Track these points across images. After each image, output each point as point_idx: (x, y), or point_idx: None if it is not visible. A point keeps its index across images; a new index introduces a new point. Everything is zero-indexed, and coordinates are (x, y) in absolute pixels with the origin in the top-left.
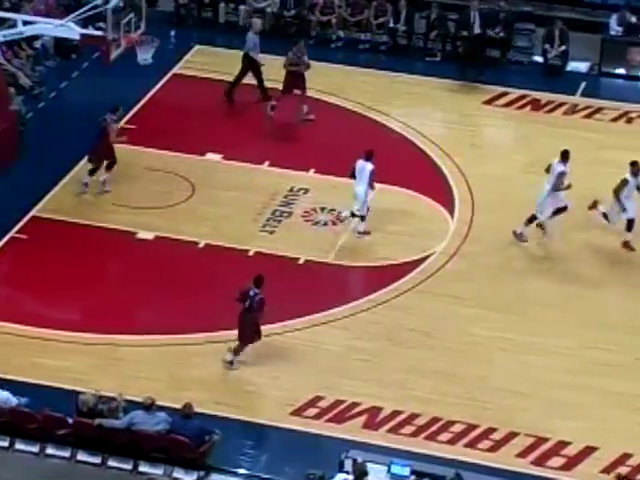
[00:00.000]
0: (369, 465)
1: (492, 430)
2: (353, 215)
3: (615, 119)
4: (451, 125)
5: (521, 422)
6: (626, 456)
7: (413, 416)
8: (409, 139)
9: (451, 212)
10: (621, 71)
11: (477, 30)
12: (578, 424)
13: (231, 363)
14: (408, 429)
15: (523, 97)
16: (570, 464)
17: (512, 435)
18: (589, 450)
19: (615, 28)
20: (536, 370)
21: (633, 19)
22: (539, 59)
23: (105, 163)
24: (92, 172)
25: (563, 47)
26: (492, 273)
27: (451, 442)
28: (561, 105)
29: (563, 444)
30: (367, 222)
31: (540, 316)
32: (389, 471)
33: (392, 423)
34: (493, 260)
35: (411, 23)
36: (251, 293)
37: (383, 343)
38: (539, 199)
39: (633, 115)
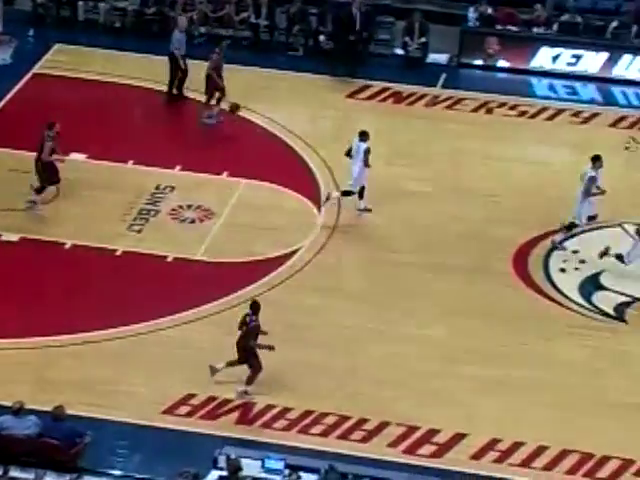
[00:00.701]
0: (243, 461)
1: (364, 421)
2: (345, 194)
3: (475, 109)
4: (315, 119)
5: (392, 412)
6: (495, 441)
7: (286, 410)
8: (274, 134)
9: (318, 205)
10: (479, 62)
11: (357, 27)
12: (448, 411)
13: (246, 392)
14: (281, 423)
15: (385, 90)
16: (440, 451)
17: (384, 425)
18: (459, 437)
19: (473, 19)
20: (406, 359)
21: (489, 10)
22: (400, 52)
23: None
24: (38, 190)
25: (423, 39)
26: (360, 265)
27: (324, 434)
28: (422, 97)
29: (433, 432)
30: (366, 199)
31: (408, 306)
32: (263, 466)
33: (265, 418)
34: (361, 252)
35: (272, 18)
36: (248, 320)
37: None
38: (575, 207)
39: (493, 105)
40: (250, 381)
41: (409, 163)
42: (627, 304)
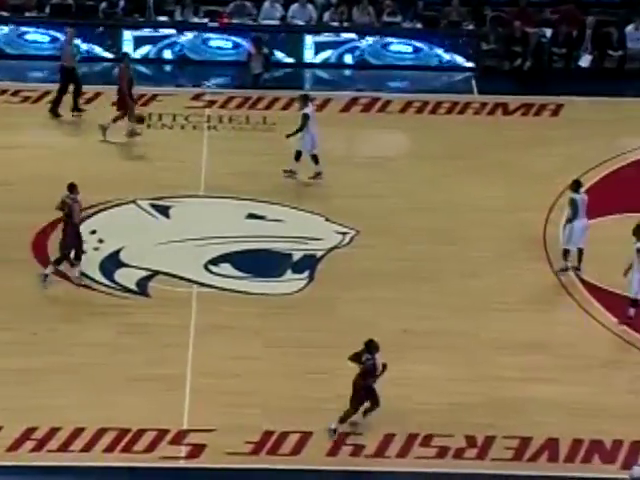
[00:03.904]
0: None
1: None
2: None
3: None
4: None
5: None
6: (31, 430)
7: None
8: None
9: None
10: None
11: None
12: None
13: (334, 432)
14: None
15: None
16: None
17: None
18: None
19: None
20: None
21: None
22: None
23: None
24: (58, 261)
25: None
26: None
27: None
28: None
29: None
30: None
31: None
32: None
33: None
34: None
35: None
36: (363, 358)
37: None
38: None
39: None
40: (345, 419)
41: None
42: (148, 278)
